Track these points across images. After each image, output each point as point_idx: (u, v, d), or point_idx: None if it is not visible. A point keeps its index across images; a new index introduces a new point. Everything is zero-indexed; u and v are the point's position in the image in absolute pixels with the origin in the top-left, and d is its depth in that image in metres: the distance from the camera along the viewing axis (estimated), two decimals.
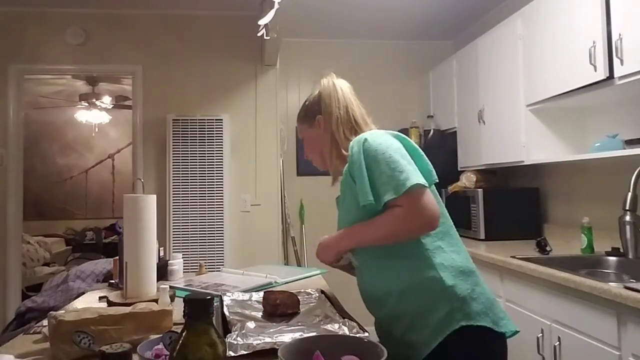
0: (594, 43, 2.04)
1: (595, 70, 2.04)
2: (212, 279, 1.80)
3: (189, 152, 3.38)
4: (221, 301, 1.31)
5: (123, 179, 6.55)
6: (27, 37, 3.48)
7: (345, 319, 1.13)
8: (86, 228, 6.31)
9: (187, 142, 3.38)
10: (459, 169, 3.45)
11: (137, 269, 1.49)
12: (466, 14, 3.69)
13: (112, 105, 5.84)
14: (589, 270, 2.11)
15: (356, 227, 1.16)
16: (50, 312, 1.06)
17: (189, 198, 3.35)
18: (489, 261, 2.37)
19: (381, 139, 1.14)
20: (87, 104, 5.68)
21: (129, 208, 1.49)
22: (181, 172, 3.36)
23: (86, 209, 6.55)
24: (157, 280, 1.58)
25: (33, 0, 3.37)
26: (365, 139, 1.14)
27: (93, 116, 5.82)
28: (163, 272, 1.85)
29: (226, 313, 1.22)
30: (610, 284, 1.60)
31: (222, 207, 3.37)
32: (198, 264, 2.03)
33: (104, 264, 2.04)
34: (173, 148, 3.37)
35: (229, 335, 1.02)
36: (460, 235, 1.23)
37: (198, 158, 3.39)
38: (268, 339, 1.01)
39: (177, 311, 1.20)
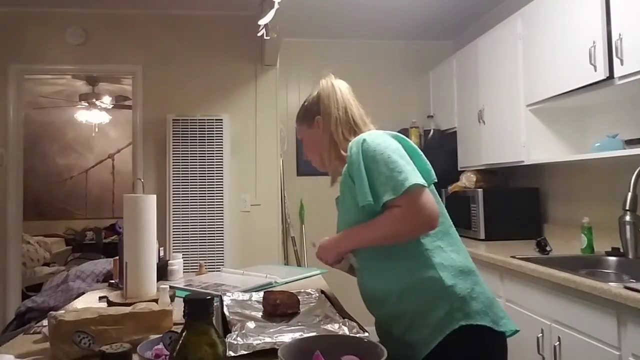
0: (594, 43, 2.04)
1: (595, 70, 2.04)
2: (212, 279, 1.80)
3: (189, 152, 3.38)
4: (221, 301, 1.31)
5: (123, 179, 6.55)
6: (27, 37, 3.48)
7: (345, 319, 1.13)
8: (86, 228, 6.31)
9: (187, 142, 3.38)
10: (459, 169, 3.45)
11: (137, 269, 1.49)
12: (466, 14, 3.69)
13: (112, 105, 5.83)
14: (589, 270, 2.11)
15: (355, 228, 1.16)
16: (50, 312, 1.06)
17: (189, 198, 3.35)
18: (489, 261, 2.37)
19: (380, 139, 1.14)
20: (87, 104, 5.68)
21: (129, 208, 1.49)
22: (181, 172, 3.36)
23: (86, 209, 6.55)
24: (157, 280, 1.58)
25: (33, 0, 3.37)
26: (364, 140, 1.14)
27: (93, 116, 5.81)
28: (163, 272, 1.85)
29: (226, 313, 1.22)
30: (610, 284, 1.60)
31: (222, 207, 3.37)
32: (198, 264, 2.03)
33: (104, 264, 2.04)
34: (173, 148, 3.37)
35: (229, 335, 1.02)
36: (460, 235, 1.23)
37: (198, 158, 3.39)
38: (268, 339, 1.01)
39: (177, 311, 1.20)
